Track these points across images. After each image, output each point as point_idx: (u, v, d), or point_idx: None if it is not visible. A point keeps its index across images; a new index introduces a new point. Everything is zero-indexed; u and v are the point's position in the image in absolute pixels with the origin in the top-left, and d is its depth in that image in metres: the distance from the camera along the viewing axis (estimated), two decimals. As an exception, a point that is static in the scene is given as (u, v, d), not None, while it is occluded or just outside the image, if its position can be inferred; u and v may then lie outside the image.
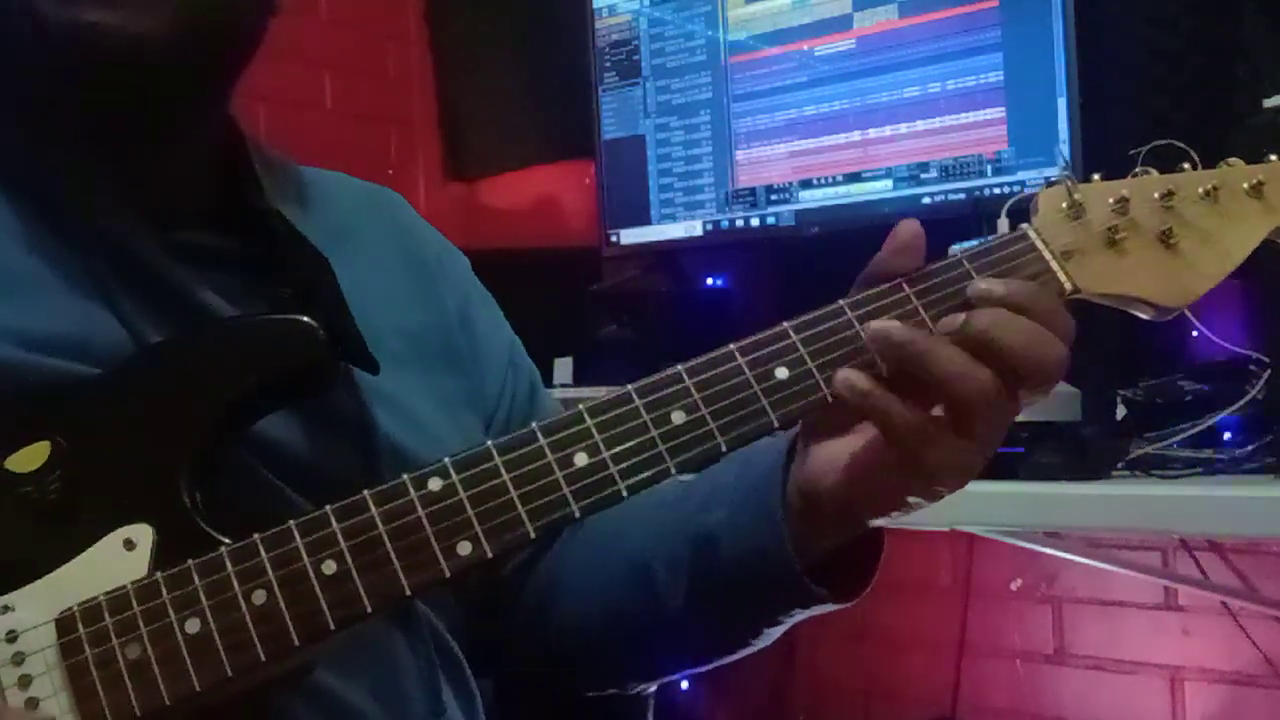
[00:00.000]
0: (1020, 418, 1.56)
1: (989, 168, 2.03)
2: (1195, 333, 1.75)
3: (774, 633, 0.95)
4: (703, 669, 1.02)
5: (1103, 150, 1.88)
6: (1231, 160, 0.91)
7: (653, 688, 1.10)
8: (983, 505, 1.56)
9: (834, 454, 0.85)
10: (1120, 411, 1.74)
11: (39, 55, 0.87)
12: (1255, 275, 1.64)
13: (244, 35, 0.94)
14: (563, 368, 2.21)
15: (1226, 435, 1.66)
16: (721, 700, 2.58)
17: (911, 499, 0.84)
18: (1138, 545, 2.17)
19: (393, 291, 1.04)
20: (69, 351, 0.82)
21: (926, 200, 2.10)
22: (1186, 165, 0.91)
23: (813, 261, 2.21)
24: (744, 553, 0.90)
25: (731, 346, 0.83)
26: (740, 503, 0.91)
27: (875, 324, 0.81)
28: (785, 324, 0.83)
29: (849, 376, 0.80)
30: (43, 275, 0.85)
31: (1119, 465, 1.65)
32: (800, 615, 0.92)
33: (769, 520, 0.88)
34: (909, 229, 0.85)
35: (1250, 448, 1.62)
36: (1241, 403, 1.63)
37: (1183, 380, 1.73)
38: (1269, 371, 1.61)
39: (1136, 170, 0.90)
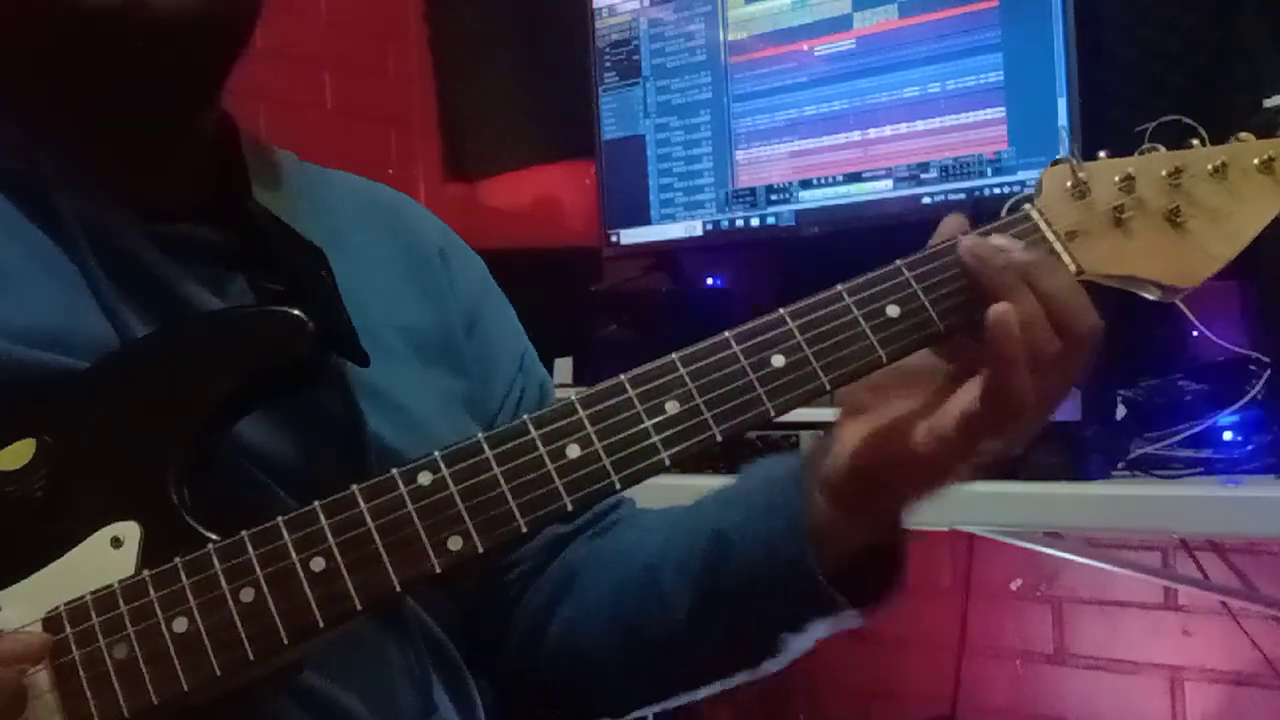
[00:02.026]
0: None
1: (989, 168, 2.03)
2: (1195, 333, 1.75)
3: (790, 645, 0.91)
4: (712, 688, 0.98)
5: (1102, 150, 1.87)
6: (1242, 135, 0.88)
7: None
8: (983, 505, 1.56)
9: (868, 430, 0.83)
10: (1120, 411, 1.73)
11: (51, 36, 0.87)
12: (1255, 276, 1.65)
13: (246, 27, 0.93)
14: (563, 368, 2.20)
15: (1226, 435, 1.66)
16: (721, 700, 2.58)
17: (939, 481, 0.82)
18: (1138, 545, 2.16)
19: (390, 288, 1.03)
20: (52, 345, 0.82)
21: (926, 200, 2.10)
22: (1195, 142, 0.88)
23: (813, 261, 2.21)
24: (758, 554, 0.87)
25: (727, 334, 0.81)
26: (757, 505, 0.89)
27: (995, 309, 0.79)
28: (782, 310, 0.82)
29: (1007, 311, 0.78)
30: (26, 267, 0.85)
31: (1119, 465, 1.65)
32: (818, 627, 0.89)
33: (788, 521, 0.86)
34: (954, 221, 0.85)
35: (1250, 448, 1.61)
36: (1241, 403, 1.63)
37: (1183, 380, 1.73)
38: (1269, 371, 1.61)
39: (1143, 147, 0.88)
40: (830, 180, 2.19)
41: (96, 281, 0.85)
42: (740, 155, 2.29)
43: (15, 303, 0.82)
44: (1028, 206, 0.86)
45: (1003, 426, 0.79)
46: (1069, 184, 0.86)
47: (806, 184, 2.22)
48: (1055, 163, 0.88)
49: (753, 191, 2.27)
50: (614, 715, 1.04)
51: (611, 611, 0.98)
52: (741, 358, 0.80)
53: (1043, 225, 0.85)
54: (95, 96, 0.89)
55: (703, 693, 0.99)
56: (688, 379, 0.80)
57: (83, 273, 0.85)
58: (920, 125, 2.10)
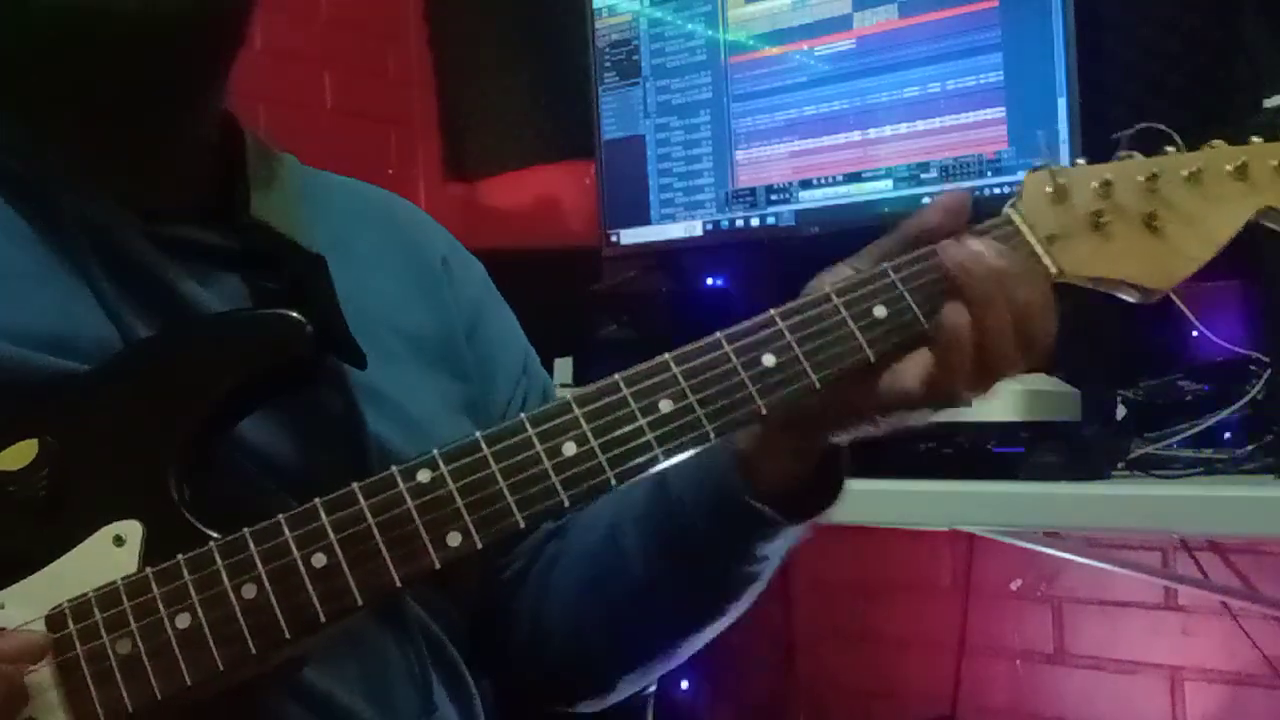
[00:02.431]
0: (1020, 418, 1.57)
1: (989, 168, 2.03)
2: (1195, 333, 1.75)
3: (746, 576, 0.94)
4: (689, 642, 1.00)
5: (1102, 150, 1.88)
6: (1215, 142, 0.91)
7: (649, 687, 1.08)
8: (983, 505, 1.56)
9: None
10: (1120, 411, 1.74)
11: (37, 38, 0.87)
12: (1255, 275, 1.65)
13: (237, 25, 0.93)
14: (563, 368, 2.20)
15: (1226, 435, 1.66)
16: (721, 700, 2.58)
17: (882, 418, 0.85)
18: (1138, 545, 2.16)
19: (392, 292, 1.04)
20: (55, 347, 0.82)
21: (926, 200, 2.09)
22: (1170, 148, 0.91)
23: (813, 261, 2.19)
24: (692, 488, 0.91)
25: (719, 335, 0.83)
26: None
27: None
28: (772, 311, 0.84)
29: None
30: (28, 269, 0.85)
31: (1119, 465, 1.65)
32: (765, 548, 0.92)
33: (715, 451, 0.88)
34: (957, 195, 0.87)
35: (1250, 448, 1.62)
36: (1241, 403, 1.64)
37: (1183, 380, 1.74)
38: (1269, 371, 1.61)
39: (1120, 154, 0.90)
40: (830, 180, 2.19)
41: (97, 283, 0.86)
42: (740, 155, 2.29)
43: (17, 304, 0.83)
44: (1009, 210, 0.88)
45: (934, 408, 0.84)
46: (1049, 189, 0.88)
47: (806, 184, 2.22)
48: (1036, 168, 0.90)
49: (753, 191, 2.28)
50: (607, 689, 1.05)
51: (581, 580, 1.01)
52: (733, 357, 0.82)
53: (1024, 229, 0.87)
54: (86, 98, 0.90)
55: (683, 650, 1.01)
56: (681, 378, 0.81)
57: (84, 275, 0.86)
58: (920, 125, 2.10)
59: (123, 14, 0.84)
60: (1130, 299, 0.89)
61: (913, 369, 0.82)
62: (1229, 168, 0.89)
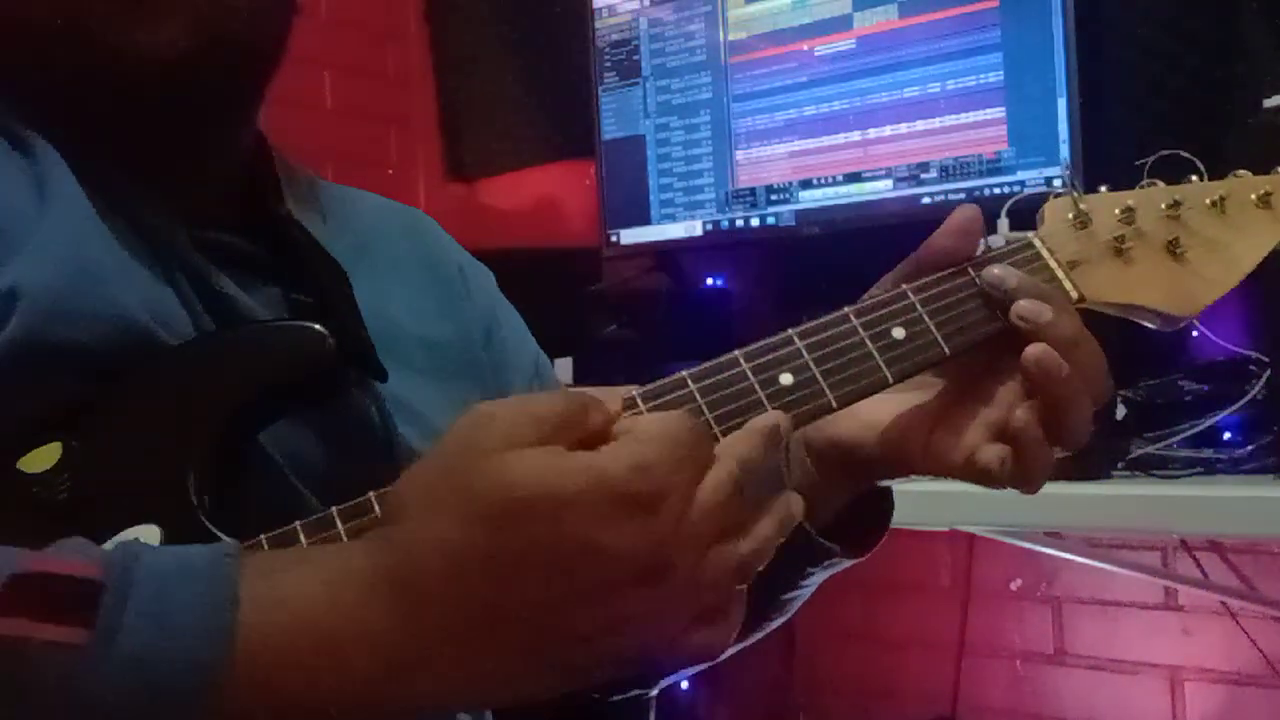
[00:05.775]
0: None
1: (989, 168, 2.03)
2: (1195, 333, 1.75)
3: (791, 600, 0.96)
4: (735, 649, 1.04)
5: (1103, 151, 1.88)
6: (1240, 172, 0.92)
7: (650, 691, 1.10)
8: (983, 505, 1.56)
9: (870, 416, 0.87)
10: (1120, 411, 1.74)
11: (67, 70, 0.87)
12: (1255, 275, 1.65)
13: (268, 51, 0.93)
14: (563, 368, 2.21)
15: (1226, 435, 1.66)
16: (721, 700, 2.58)
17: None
18: (1138, 545, 2.17)
19: (414, 303, 1.04)
20: (158, 329, 0.82)
21: (926, 200, 2.10)
22: (1194, 176, 0.91)
23: (813, 261, 2.21)
24: None
25: (736, 353, 0.82)
26: None
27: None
28: (790, 331, 0.83)
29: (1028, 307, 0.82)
30: (125, 261, 0.85)
31: (1119, 465, 1.65)
32: (814, 576, 0.93)
33: None
34: (966, 212, 0.87)
35: (1250, 448, 1.62)
36: (1241, 403, 1.64)
37: (1183, 380, 1.74)
38: (1269, 371, 1.61)
39: (1143, 182, 0.90)
40: (830, 180, 2.20)
41: (174, 277, 0.86)
42: (740, 155, 2.29)
43: (124, 284, 0.82)
44: (1030, 235, 0.89)
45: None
46: (1071, 215, 0.89)
47: (806, 184, 2.22)
48: (1058, 194, 0.90)
49: (753, 191, 2.28)
50: (646, 686, 1.07)
51: None
52: (750, 375, 0.81)
53: (1045, 254, 0.87)
54: (117, 127, 0.90)
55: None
56: (698, 395, 0.81)
57: (163, 268, 0.86)
58: (920, 125, 2.10)
59: (154, 67, 0.84)
60: (1152, 325, 0.89)
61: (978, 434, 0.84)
62: (1253, 196, 0.90)
